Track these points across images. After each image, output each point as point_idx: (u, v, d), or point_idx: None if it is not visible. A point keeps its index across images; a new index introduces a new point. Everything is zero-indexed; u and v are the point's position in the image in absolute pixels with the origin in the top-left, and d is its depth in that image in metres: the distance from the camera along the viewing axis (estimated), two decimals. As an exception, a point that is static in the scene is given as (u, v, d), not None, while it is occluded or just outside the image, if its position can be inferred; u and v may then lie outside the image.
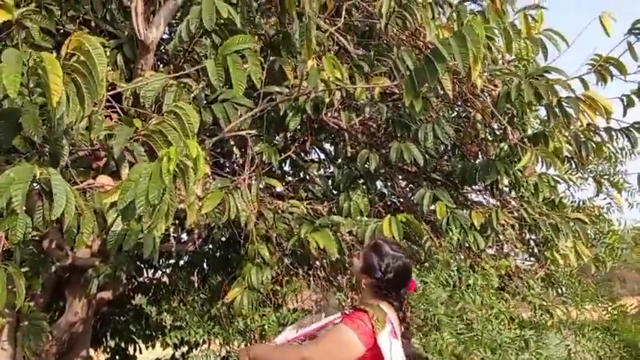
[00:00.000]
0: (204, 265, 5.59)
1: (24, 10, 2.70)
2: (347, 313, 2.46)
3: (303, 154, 4.47)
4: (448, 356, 3.11)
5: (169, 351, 6.26)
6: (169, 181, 1.85)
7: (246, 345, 4.21)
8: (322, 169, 4.53)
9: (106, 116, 3.10)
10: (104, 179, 2.29)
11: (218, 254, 5.43)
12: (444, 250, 3.21)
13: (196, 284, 5.76)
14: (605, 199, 4.78)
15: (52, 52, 3.26)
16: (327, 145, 4.87)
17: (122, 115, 3.10)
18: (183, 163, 1.91)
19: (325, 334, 2.51)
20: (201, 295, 5.68)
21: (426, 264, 3.38)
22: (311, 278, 4.02)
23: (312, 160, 4.81)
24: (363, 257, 2.45)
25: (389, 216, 3.38)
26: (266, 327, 3.71)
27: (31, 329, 3.54)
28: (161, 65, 3.90)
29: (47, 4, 3.39)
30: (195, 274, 5.70)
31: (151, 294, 5.99)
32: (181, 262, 5.62)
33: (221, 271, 5.38)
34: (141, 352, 6.30)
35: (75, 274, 4.26)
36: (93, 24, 3.70)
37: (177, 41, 3.19)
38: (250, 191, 3.16)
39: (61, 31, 3.54)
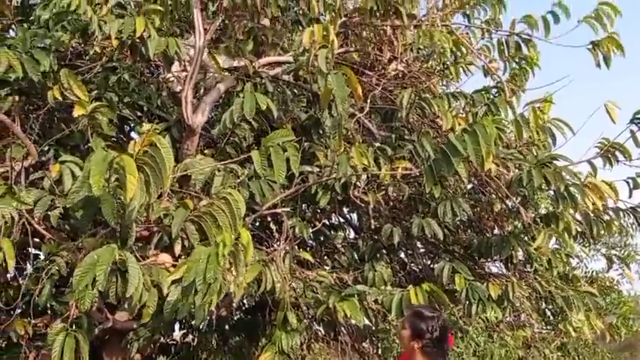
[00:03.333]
0: (227, 328, 5.73)
1: (95, 106, 3.14)
2: None
3: (329, 227, 4.79)
4: None
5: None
6: (224, 263, 2.17)
7: None
8: (346, 240, 4.83)
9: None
10: (165, 257, 2.62)
11: (242, 319, 5.61)
12: (473, 324, 3.46)
13: (219, 347, 5.89)
14: (616, 269, 4.97)
15: (115, 139, 3.69)
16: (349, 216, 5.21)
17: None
18: (235, 247, 2.25)
19: None
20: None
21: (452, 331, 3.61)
22: (337, 344, 4.23)
23: (336, 229, 5.11)
24: (410, 325, 2.78)
25: (413, 286, 3.63)
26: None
27: (75, 389, 3.77)
28: (203, 145, 4.30)
29: (108, 90, 3.85)
30: (217, 336, 5.84)
31: (172, 355, 6.10)
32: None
33: (244, 335, 5.57)
34: (164, 414, 6.35)
35: (113, 336, 4.49)
36: (145, 109, 4.15)
37: (221, 127, 3.59)
38: (284, 263, 3.46)
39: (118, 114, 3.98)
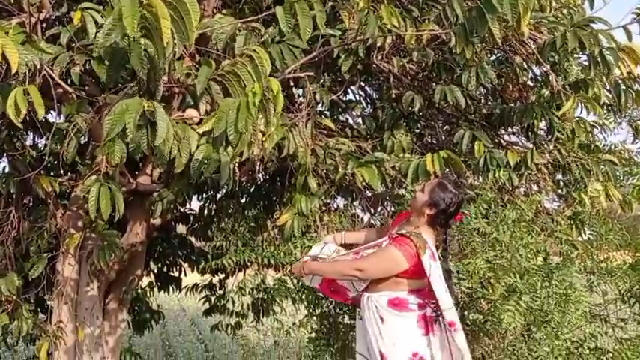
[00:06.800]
0: (245, 197, 5.86)
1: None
2: (394, 236, 2.95)
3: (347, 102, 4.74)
4: (479, 280, 3.48)
5: (208, 277, 6.72)
6: (255, 112, 2.15)
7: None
8: (365, 110, 4.80)
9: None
10: (193, 112, 2.60)
11: (260, 187, 5.73)
12: (484, 188, 3.52)
13: (238, 213, 6.05)
14: (636, 142, 4.94)
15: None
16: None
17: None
18: (265, 97, 2.21)
19: (376, 251, 3.01)
20: (242, 225, 6.05)
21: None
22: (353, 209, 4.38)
23: (353, 101, 5.05)
24: (430, 193, 2.90)
25: (431, 153, 3.66)
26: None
27: (106, 245, 3.98)
28: (220, 5, 4.10)
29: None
30: (235, 205, 5.98)
31: (191, 223, 6.32)
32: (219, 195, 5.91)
33: (261, 201, 5.73)
34: (185, 274, 6.76)
35: (136, 198, 4.65)
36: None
37: (239, -18, 3.40)
38: (306, 128, 3.46)
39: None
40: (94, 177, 2.66)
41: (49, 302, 4.97)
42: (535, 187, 4.48)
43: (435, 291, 2.86)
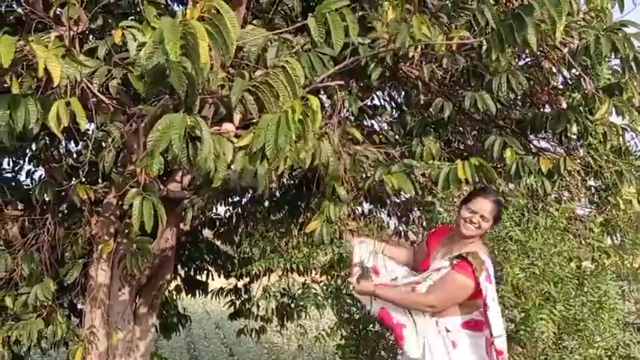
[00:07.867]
0: (271, 202, 5.91)
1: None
2: (456, 262, 2.94)
3: (373, 107, 4.74)
4: (511, 288, 3.46)
5: (233, 281, 6.81)
6: (295, 129, 2.18)
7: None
8: (392, 117, 4.80)
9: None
10: (229, 126, 2.64)
11: (286, 194, 5.77)
12: (517, 195, 3.51)
13: (265, 218, 6.12)
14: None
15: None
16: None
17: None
18: (303, 114, 2.23)
19: (442, 284, 2.99)
20: (271, 230, 6.12)
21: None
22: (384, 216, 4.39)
23: (379, 107, 5.06)
24: (494, 217, 2.90)
25: (461, 160, 3.64)
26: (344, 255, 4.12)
27: (138, 251, 4.05)
28: (251, 16, 4.15)
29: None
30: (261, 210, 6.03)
31: (217, 228, 6.39)
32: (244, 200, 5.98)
33: (286, 206, 5.77)
34: (213, 278, 6.84)
35: (166, 204, 4.71)
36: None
37: (269, -5, 3.43)
38: (335, 136, 3.47)
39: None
40: (134, 190, 2.71)
41: (80, 307, 5.07)
42: (567, 193, 4.43)
43: (488, 314, 2.85)
